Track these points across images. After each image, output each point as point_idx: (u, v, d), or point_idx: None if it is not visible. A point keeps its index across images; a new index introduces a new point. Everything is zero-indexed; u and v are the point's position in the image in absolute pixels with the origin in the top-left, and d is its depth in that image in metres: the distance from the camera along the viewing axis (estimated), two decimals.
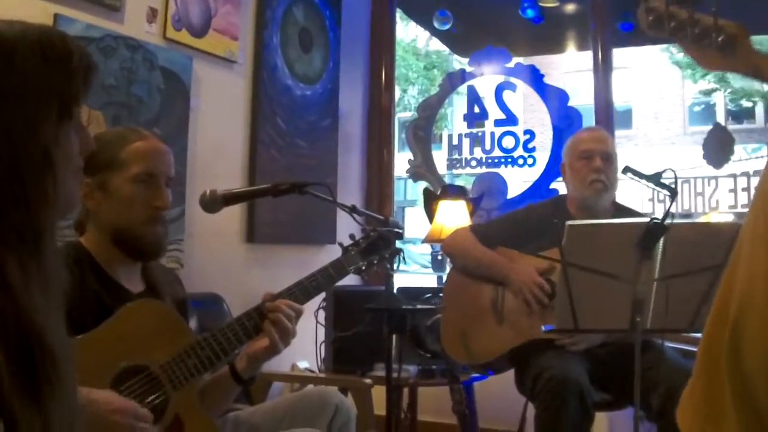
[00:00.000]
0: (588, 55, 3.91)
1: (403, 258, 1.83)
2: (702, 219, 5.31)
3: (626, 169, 2.06)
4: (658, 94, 16.70)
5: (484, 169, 3.93)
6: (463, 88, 4.09)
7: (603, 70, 3.79)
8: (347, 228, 1.90)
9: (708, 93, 16.42)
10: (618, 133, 4.26)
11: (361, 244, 1.76)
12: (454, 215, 3.33)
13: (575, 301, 1.89)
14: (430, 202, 3.50)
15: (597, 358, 2.31)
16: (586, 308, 1.90)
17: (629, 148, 15.12)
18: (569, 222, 1.94)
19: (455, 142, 4.03)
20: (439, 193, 3.53)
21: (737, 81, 15.31)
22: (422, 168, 4.08)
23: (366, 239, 1.77)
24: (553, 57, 12.55)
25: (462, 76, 4.09)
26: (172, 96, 2.79)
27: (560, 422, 2.05)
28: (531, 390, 2.19)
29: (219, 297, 2.70)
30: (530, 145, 3.84)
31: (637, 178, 2.02)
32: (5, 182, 0.73)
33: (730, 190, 5.03)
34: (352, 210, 1.84)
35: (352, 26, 3.98)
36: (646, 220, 1.88)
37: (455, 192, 3.46)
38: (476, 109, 3.99)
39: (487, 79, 3.98)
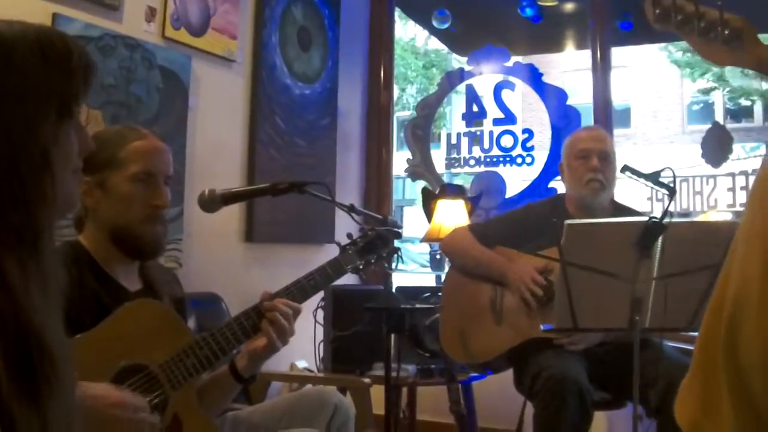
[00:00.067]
0: (587, 54, 3.90)
1: (401, 257, 1.83)
2: (700, 218, 5.32)
3: (625, 168, 2.07)
4: (656, 92, 16.69)
5: (482, 168, 3.93)
6: (461, 87, 4.08)
7: (602, 68, 3.78)
8: (346, 227, 1.90)
9: (707, 92, 16.41)
10: (617, 131, 4.26)
11: (359, 243, 1.76)
12: (453, 214, 3.32)
13: (574, 300, 1.89)
14: (428, 201, 3.50)
15: (596, 357, 2.31)
16: (585, 307, 1.90)
17: (628, 147, 15.10)
18: (568, 221, 1.94)
19: (454, 141, 4.03)
20: (437, 192, 3.53)
21: (736, 80, 15.32)
22: (421, 167, 4.08)
23: (364, 238, 1.77)
24: (551, 56, 12.52)
25: (461, 75, 4.09)
26: (171, 95, 2.79)
27: (559, 421, 2.05)
28: (530, 389, 2.19)
29: (218, 296, 2.70)
30: (529, 144, 3.84)
31: (635, 177, 2.02)
32: (4, 182, 0.73)
33: (729, 189, 5.02)
34: (350, 209, 1.84)
35: (351, 25, 3.98)
36: (645, 219, 1.89)
37: (454, 191, 3.46)
38: (475, 108, 3.98)
39: (485, 78, 3.98)
